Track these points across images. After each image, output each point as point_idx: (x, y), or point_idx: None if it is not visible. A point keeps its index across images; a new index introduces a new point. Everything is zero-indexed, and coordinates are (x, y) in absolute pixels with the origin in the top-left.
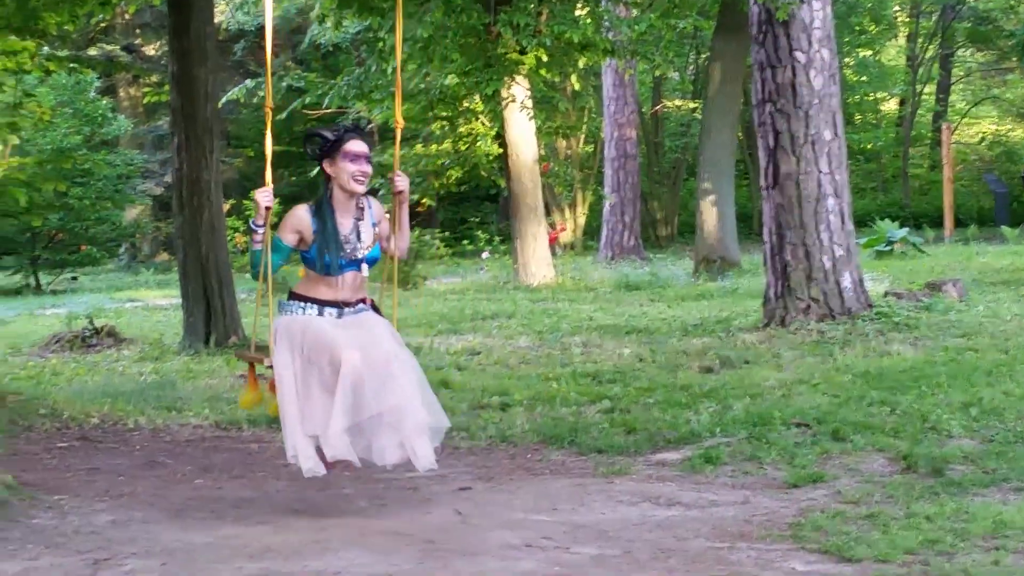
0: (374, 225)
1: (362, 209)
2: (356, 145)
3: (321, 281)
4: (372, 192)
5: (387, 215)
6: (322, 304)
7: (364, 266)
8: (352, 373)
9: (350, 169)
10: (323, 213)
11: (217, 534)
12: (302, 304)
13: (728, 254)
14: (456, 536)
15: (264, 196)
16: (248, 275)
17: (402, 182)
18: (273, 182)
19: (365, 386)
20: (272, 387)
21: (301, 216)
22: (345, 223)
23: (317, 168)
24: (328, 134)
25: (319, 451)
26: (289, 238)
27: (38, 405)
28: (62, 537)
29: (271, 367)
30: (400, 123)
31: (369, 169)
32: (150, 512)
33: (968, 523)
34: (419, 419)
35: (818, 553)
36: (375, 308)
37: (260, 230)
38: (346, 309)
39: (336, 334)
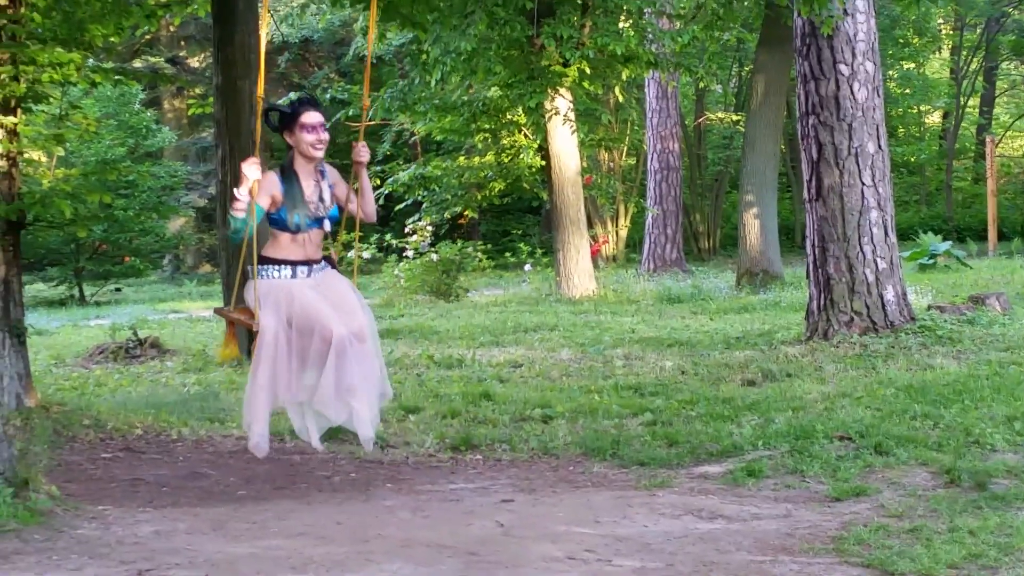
0: (331, 187)
1: (321, 172)
2: (311, 116)
3: (289, 240)
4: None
5: (343, 179)
6: (293, 264)
7: (326, 223)
8: (340, 350)
9: (308, 139)
10: (289, 178)
11: (260, 545)
12: (276, 267)
13: (771, 267)
14: (498, 548)
15: (251, 168)
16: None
17: (366, 153)
18: None
19: (348, 361)
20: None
21: (273, 180)
22: (308, 186)
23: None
24: (285, 108)
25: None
26: (264, 201)
27: (82, 416)
28: (106, 547)
29: (257, 331)
30: (366, 104)
31: (326, 136)
32: (193, 523)
33: (1012, 537)
34: (373, 396)
35: (861, 567)
36: (333, 265)
37: (244, 199)
38: (314, 267)
39: (320, 306)
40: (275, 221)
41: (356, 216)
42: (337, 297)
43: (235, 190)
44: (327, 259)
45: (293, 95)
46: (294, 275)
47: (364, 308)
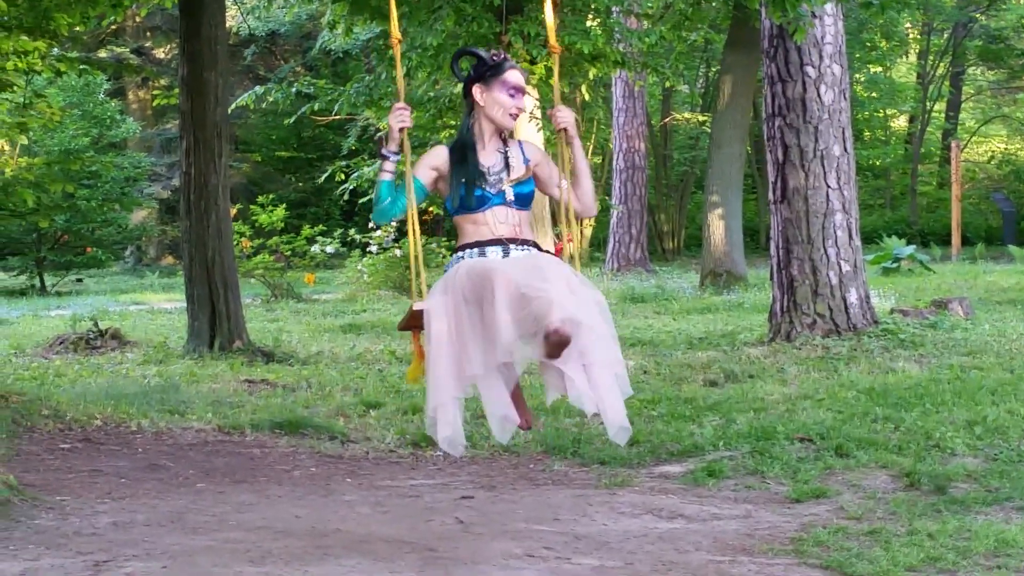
0: (527, 162)
1: (507, 144)
2: (517, 76)
3: (469, 221)
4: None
5: (551, 162)
6: (483, 245)
7: (512, 200)
8: (508, 288)
9: (507, 102)
10: (463, 144)
11: (218, 538)
12: (462, 253)
13: (735, 268)
14: (457, 544)
15: (398, 118)
16: (253, 279)
17: (565, 115)
18: (278, 189)
19: (530, 300)
20: (420, 353)
21: (439, 152)
22: (487, 154)
23: (331, 173)
24: (486, 56)
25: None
26: (424, 174)
27: (41, 406)
28: (63, 538)
29: (420, 309)
30: (556, 48)
31: (525, 105)
32: (152, 515)
33: (970, 541)
34: (607, 354)
35: (820, 568)
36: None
37: (393, 157)
38: (511, 246)
39: (496, 264)
40: (449, 208)
41: (566, 205)
42: (535, 265)
43: (383, 149)
44: (535, 244)
45: (257, 88)
46: (483, 255)
47: (579, 278)
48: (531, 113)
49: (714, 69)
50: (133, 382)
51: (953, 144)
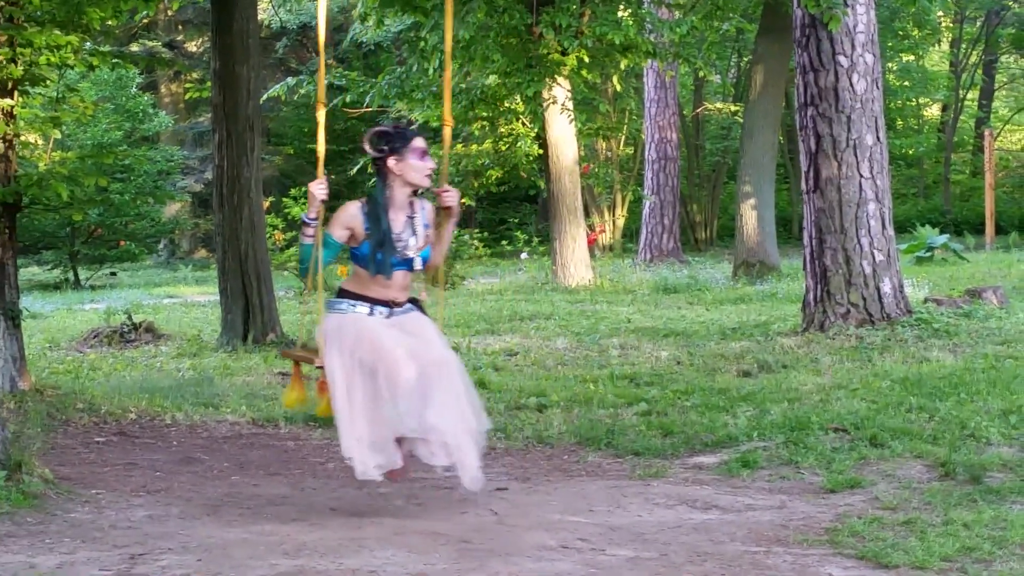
0: (426, 227)
1: (414, 209)
2: (422, 142)
3: (371, 280)
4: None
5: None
6: (373, 303)
7: (417, 262)
8: (406, 388)
9: (421, 166)
10: (377, 211)
11: (253, 530)
12: (352, 302)
13: (767, 258)
14: (492, 536)
15: (319, 188)
16: (287, 272)
17: (452, 196)
18: (311, 181)
19: (415, 398)
20: (321, 388)
21: (353, 213)
22: (399, 221)
23: (363, 165)
24: (394, 131)
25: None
26: (339, 234)
27: (76, 400)
28: (99, 531)
29: (321, 367)
30: (449, 122)
31: (434, 165)
32: (187, 508)
33: (1006, 531)
34: (468, 427)
35: (855, 559)
36: (421, 308)
37: (313, 224)
38: (395, 309)
39: (391, 341)
40: (356, 257)
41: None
42: (415, 331)
43: (303, 215)
44: (413, 301)
45: (289, 79)
46: (371, 313)
47: (443, 343)
48: (562, 104)
49: (746, 59)
50: (167, 375)
51: (986, 132)
